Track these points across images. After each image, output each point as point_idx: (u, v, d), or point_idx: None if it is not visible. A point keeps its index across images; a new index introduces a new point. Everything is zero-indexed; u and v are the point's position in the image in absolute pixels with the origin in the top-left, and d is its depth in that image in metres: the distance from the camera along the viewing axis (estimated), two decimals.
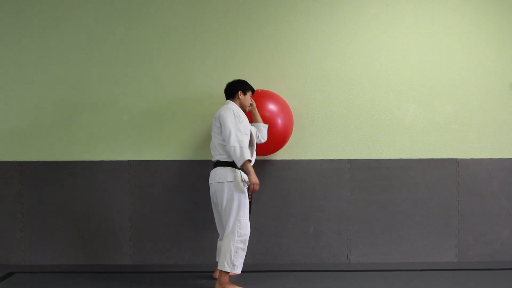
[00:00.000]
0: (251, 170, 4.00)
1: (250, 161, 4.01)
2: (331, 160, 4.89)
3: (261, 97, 4.54)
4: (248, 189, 4.11)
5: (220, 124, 4.08)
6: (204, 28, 4.86)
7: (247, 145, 4.05)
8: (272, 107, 4.53)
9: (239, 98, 4.25)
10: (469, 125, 4.90)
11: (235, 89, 4.25)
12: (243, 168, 4.01)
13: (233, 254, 4.04)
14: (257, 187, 4.01)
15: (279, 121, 4.52)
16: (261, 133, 4.38)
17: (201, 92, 4.86)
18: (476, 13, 4.88)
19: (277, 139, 4.56)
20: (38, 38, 4.88)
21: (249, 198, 4.17)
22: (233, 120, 4.03)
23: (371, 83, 4.89)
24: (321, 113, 4.88)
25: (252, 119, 4.41)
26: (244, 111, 4.28)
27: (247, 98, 4.29)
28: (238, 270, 4.09)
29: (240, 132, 4.00)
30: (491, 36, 4.89)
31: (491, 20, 4.89)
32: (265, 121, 4.44)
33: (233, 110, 4.09)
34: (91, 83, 4.88)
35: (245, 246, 4.09)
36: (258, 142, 4.38)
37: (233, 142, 3.96)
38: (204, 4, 4.86)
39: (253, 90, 4.36)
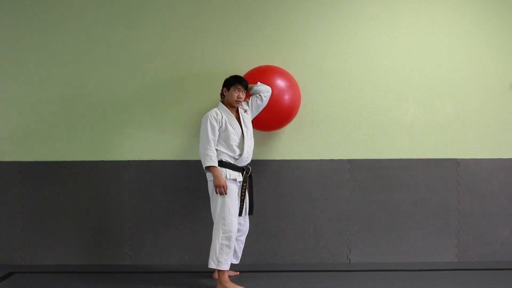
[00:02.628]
0: (216, 174, 4.10)
1: (215, 167, 4.10)
2: (331, 160, 4.89)
3: (267, 73, 4.53)
4: (241, 187, 4.23)
5: None
6: (204, 28, 4.86)
7: (213, 153, 4.12)
8: (279, 82, 4.51)
9: (224, 95, 4.29)
10: (469, 125, 4.90)
11: (222, 86, 4.31)
12: (209, 172, 4.13)
13: (218, 251, 4.09)
14: (221, 190, 4.09)
15: (286, 96, 4.51)
16: (261, 92, 4.37)
17: (201, 92, 4.86)
18: (476, 13, 4.88)
19: (283, 114, 4.57)
20: (38, 38, 4.88)
21: (241, 196, 4.23)
22: (205, 127, 4.14)
23: (371, 83, 4.89)
24: (321, 113, 4.88)
25: (250, 95, 4.43)
26: (234, 106, 4.27)
27: (231, 94, 4.21)
28: (222, 267, 4.10)
29: (207, 140, 4.12)
30: (491, 36, 4.89)
31: (491, 20, 4.89)
32: (271, 98, 4.43)
33: (209, 117, 4.15)
34: (91, 83, 4.88)
35: (229, 242, 4.11)
36: (266, 99, 4.38)
37: (200, 148, 4.16)
38: (204, 4, 4.86)
39: (243, 85, 4.24)
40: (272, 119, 4.57)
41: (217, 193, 4.12)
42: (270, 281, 4.37)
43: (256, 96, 4.38)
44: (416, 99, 4.89)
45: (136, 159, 4.89)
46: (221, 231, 4.10)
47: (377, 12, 4.88)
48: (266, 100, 4.39)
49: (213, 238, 4.13)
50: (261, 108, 4.42)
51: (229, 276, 4.26)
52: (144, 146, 4.88)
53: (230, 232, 4.11)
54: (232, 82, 4.24)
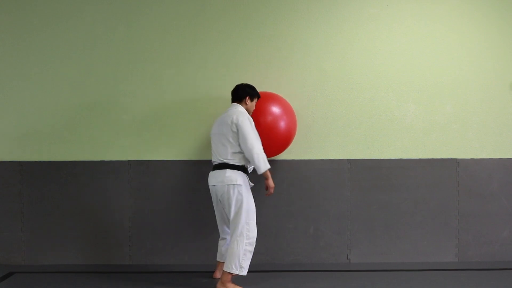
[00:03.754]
0: (269, 175, 4.15)
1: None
2: (331, 160, 4.89)
3: (263, 100, 4.51)
4: None
5: (237, 130, 4.08)
6: (204, 28, 4.86)
7: None
8: (275, 109, 4.50)
9: (246, 103, 4.25)
10: (469, 125, 4.90)
11: (244, 93, 4.25)
12: (264, 174, 4.13)
13: (241, 257, 4.06)
14: (272, 191, 4.22)
15: (282, 123, 4.50)
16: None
17: (201, 92, 4.86)
18: (476, 13, 4.88)
19: (280, 142, 4.56)
20: (38, 38, 4.88)
21: None
22: (250, 127, 4.10)
23: (371, 83, 4.89)
24: (321, 113, 4.88)
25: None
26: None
27: (253, 105, 4.30)
28: (244, 272, 4.09)
29: (258, 140, 4.12)
30: (491, 36, 4.89)
31: (491, 20, 4.89)
32: (268, 125, 4.43)
33: (248, 116, 4.14)
34: (91, 83, 4.88)
35: (252, 248, 4.11)
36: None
37: (257, 150, 4.05)
38: (204, 4, 4.86)
39: (259, 97, 4.36)
40: (270, 147, 4.51)
41: (269, 194, 4.21)
42: (270, 281, 4.37)
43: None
44: (416, 99, 4.89)
45: (136, 159, 4.89)
46: (245, 237, 4.06)
47: (377, 12, 4.88)
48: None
49: (235, 244, 4.06)
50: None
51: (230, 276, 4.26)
52: (144, 146, 4.88)
53: (253, 238, 4.11)
54: (256, 95, 4.31)
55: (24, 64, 4.88)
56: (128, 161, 4.89)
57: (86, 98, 4.88)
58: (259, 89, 4.61)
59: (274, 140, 4.50)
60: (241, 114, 4.12)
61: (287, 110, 4.60)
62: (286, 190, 4.88)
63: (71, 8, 4.87)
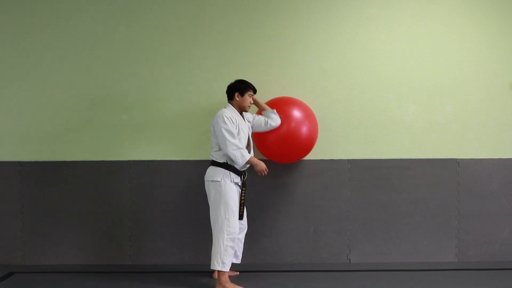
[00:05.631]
0: (255, 162, 4.21)
1: (251, 157, 4.20)
2: (331, 160, 4.89)
3: (283, 105, 4.53)
4: (241, 192, 4.23)
5: (214, 131, 4.18)
6: (204, 28, 4.86)
7: (244, 146, 4.19)
8: (296, 114, 4.50)
9: (236, 99, 4.26)
10: (469, 125, 4.90)
11: (233, 90, 4.29)
12: (249, 163, 4.17)
13: (223, 253, 4.10)
14: (265, 172, 4.25)
15: (304, 129, 4.50)
16: (271, 119, 4.41)
17: (201, 92, 4.86)
18: (476, 13, 4.88)
19: (302, 147, 4.58)
20: (38, 37, 4.88)
21: (241, 199, 4.22)
22: (225, 126, 4.10)
23: (371, 83, 4.89)
24: (321, 113, 4.88)
25: (259, 112, 4.53)
26: (246, 111, 4.34)
27: (246, 99, 4.28)
28: (227, 268, 4.13)
29: (233, 136, 4.11)
30: (491, 36, 4.89)
31: (491, 20, 4.89)
32: (288, 132, 4.45)
33: (224, 116, 4.13)
34: (91, 83, 4.88)
35: (233, 244, 4.15)
36: (270, 128, 4.42)
37: (230, 148, 4.09)
38: (204, 4, 4.86)
39: (254, 90, 4.34)
40: (291, 153, 4.58)
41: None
42: (270, 281, 4.37)
43: (265, 119, 4.40)
44: (416, 99, 4.89)
45: (136, 159, 4.89)
46: (225, 233, 4.11)
47: (377, 12, 4.88)
48: (269, 128, 4.42)
49: (216, 240, 4.13)
50: (258, 131, 4.44)
51: (229, 276, 4.27)
52: (144, 146, 4.89)
53: (234, 234, 4.15)
54: (246, 88, 4.28)
55: (24, 64, 4.88)
56: (128, 161, 4.89)
57: (86, 98, 4.89)
58: (259, 90, 4.60)
59: (295, 147, 4.53)
60: (218, 115, 4.16)
61: (308, 115, 4.59)
62: (286, 190, 4.88)
63: (71, 8, 4.87)
